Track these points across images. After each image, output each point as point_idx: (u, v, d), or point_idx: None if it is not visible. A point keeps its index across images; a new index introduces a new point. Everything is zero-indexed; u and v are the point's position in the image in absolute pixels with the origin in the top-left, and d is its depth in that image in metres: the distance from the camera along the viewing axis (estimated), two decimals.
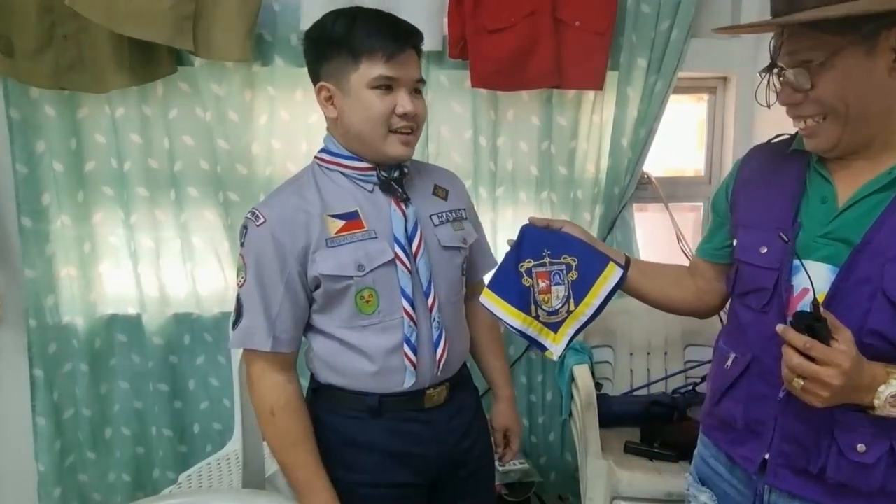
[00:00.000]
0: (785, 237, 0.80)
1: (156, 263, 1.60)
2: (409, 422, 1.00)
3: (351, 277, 0.93)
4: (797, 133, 0.86)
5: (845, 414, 0.76)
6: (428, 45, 1.56)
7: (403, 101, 0.93)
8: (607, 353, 1.78)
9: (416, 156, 1.53)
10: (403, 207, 0.97)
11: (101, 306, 1.61)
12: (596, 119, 1.71)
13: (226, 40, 1.44)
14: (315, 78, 0.96)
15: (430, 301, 0.98)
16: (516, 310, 0.94)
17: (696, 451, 1.02)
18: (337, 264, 0.93)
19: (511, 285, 0.94)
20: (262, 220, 0.93)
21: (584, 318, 0.94)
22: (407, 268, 0.96)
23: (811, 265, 0.78)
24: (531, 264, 0.94)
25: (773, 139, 0.95)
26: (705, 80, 1.83)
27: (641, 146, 1.67)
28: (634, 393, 1.75)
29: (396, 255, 0.95)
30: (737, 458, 0.90)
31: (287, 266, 0.93)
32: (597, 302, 0.93)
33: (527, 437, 1.85)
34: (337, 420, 1.00)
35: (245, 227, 0.95)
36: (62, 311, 1.58)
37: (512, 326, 0.95)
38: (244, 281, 0.95)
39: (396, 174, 0.98)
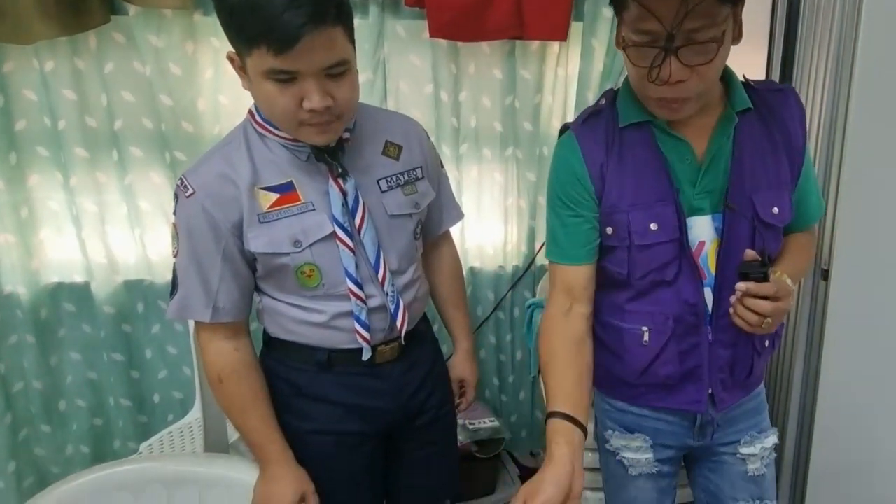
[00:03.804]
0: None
1: (101, 229, 1.51)
2: (360, 376, 0.99)
3: (287, 254, 0.89)
4: (612, 107, 0.88)
5: None
6: None
7: (310, 95, 0.77)
8: None
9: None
10: (341, 183, 0.90)
11: (45, 275, 1.53)
12: (561, 72, 1.66)
13: None
14: None
15: (380, 275, 0.94)
16: None
17: (606, 416, 1.01)
18: (269, 241, 0.88)
19: None
20: (190, 190, 0.87)
21: None
22: (348, 246, 0.90)
23: (697, 220, 0.86)
24: None
25: (586, 118, 0.90)
26: None
27: None
28: None
29: (336, 235, 0.90)
30: (678, 407, 0.94)
31: (222, 239, 0.88)
32: None
33: (497, 396, 1.86)
34: (288, 372, 0.99)
35: (176, 196, 0.90)
36: (2, 281, 1.49)
37: None
38: (177, 252, 0.90)
39: (333, 144, 0.89)
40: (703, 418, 0.94)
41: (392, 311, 0.96)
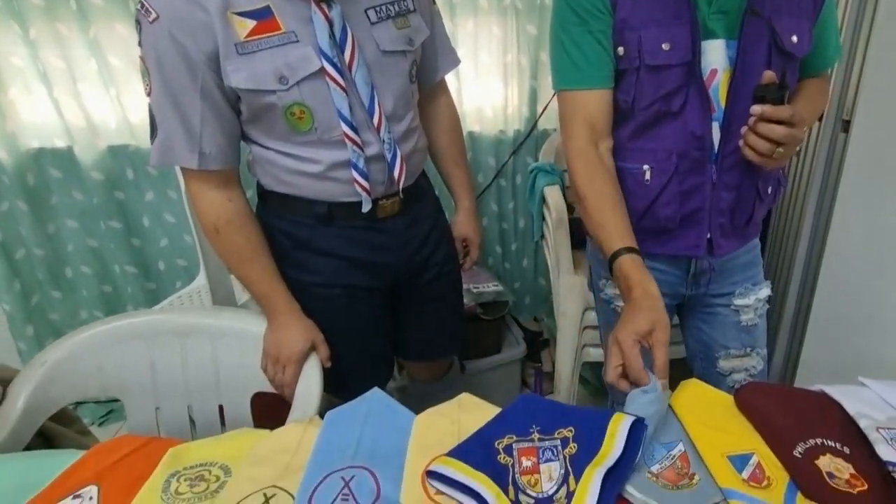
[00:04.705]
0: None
1: (73, 88, 1.42)
2: (363, 230, 0.96)
3: (273, 92, 0.80)
4: None
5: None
6: None
7: None
8: None
9: None
10: (325, 9, 0.80)
11: (24, 139, 1.47)
12: None
13: None
14: None
15: (375, 119, 0.87)
16: (484, 476, 0.62)
17: (601, 265, 0.98)
18: (251, 75, 0.79)
19: (481, 460, 0.65)
20: (153, 14, 0.76)
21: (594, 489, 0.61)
22: (340, 85, 0.82)
23: (711, 44, 0.80)
24: (512, 440, 0.69)
25: None
26: None
27: None
28: None
29: (325, 71, 0.81)
30: (676, 253, 0.92)
31: (198, 72, 0.79)
32: (609, 461, 0.62)
33: (500, 264, 1.88)
34: (286, 224, 0.96)
35: (138, 23, 0.78)
36: None
37: (472, 489, 0.61)
38: (150, 89, 0.81)
39: None
40: (698, 266, 0.94)
41: (389, 160, 0.91)
